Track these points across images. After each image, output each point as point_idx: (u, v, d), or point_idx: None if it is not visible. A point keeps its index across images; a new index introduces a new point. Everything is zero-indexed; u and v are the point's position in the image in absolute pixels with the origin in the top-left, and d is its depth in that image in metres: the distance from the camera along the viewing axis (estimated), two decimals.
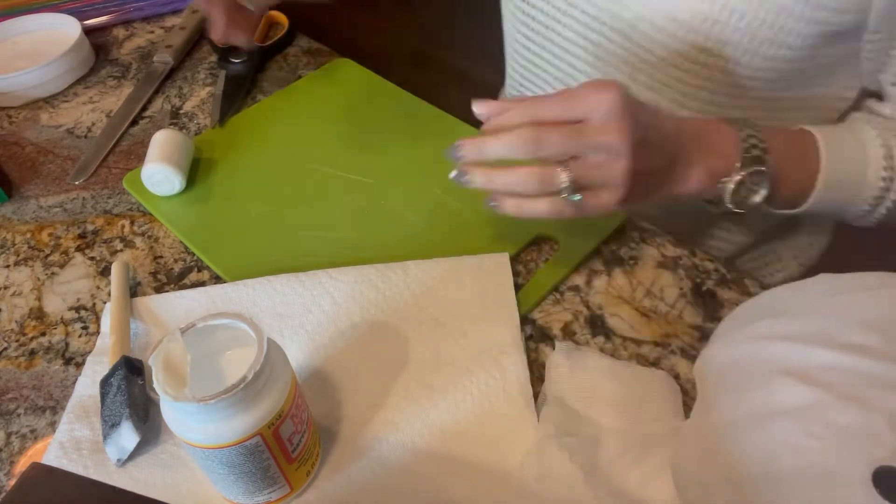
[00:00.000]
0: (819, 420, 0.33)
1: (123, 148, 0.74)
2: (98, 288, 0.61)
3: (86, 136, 0.76)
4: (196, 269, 0.61)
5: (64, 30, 0.86)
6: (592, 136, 0.45)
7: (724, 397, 0.39)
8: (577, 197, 0.47)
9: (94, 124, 0.78)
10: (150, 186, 0.65)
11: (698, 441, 0.40)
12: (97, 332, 0.57)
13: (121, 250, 0.63)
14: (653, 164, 0.47)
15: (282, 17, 0.90)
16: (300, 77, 0.81)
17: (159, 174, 0.64)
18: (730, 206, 0.50)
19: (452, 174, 0.49)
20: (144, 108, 0.79)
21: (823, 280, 0.40)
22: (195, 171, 0.68)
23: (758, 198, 0.50)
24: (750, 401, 0.37)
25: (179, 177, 0.65)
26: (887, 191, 0.52)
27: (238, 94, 0.79)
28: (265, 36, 0.89)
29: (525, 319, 0.55)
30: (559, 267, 0.58)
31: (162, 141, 0.66)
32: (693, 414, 0.44)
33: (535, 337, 0.54)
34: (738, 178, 0.49)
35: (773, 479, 0.34)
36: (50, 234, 0.66)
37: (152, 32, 0.92)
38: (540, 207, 0.48)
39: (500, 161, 0.47)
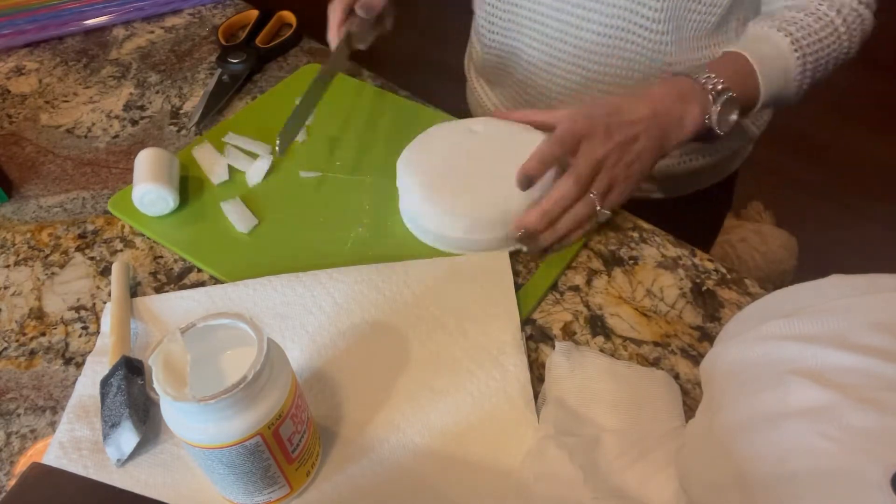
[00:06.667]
0: (834, 422, 0.33)
1: (123, 147, 0.74)
2: (98, 288, 0.61)
3: (86, 136, 0.76)
4: (196, 269, 0.61)
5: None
6: (583, 164, 0.57)
7: (734, 398, 0.39)
8: (606, 212, 0.60)
9: (94, 124, 0.78)
10: (142, 207, 0.64)
11: (707, 442, 0.40)
12: (97, 332, 0.57)
13: (121, 250, 0.63)
14: (641, 144, 0.59)
15: (291, 18, 0.90)
16: None
17: (152, 194, 0.62)
18: (719, 132, 0.62)
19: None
20: (144, 108, 0.79)
21: (836, 281, 0.39)
22: (183, 185, 0.67)
23: (733, 117, 0.62)
24: (762, 401, 0.36)
25: (172, 194, 0.63)
26: (804, 66, 0.65)
27: (221, 97, 0.78)
28: (275, 35, 0.89)
29: (525, 319, 0.55)
30: (564, 251, 0.59)
31: (148, 160, 0.64)
32: (699, 414, 0.44)
33: (535, 337, 0.54)
34: (717, 109, 0.61)
35: (787, 481, 0.33)
36: (50, 234, 0.66)
37: (152, 32, 0.92)
38: (576, 215, 0.58)
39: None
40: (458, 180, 0.60)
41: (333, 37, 0.71)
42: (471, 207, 0.58)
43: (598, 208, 0.58)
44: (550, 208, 0.57)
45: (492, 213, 0.58)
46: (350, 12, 0.71)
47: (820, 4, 0.67)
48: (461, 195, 0.59)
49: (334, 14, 0.70)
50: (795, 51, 0.64)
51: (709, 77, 0.61)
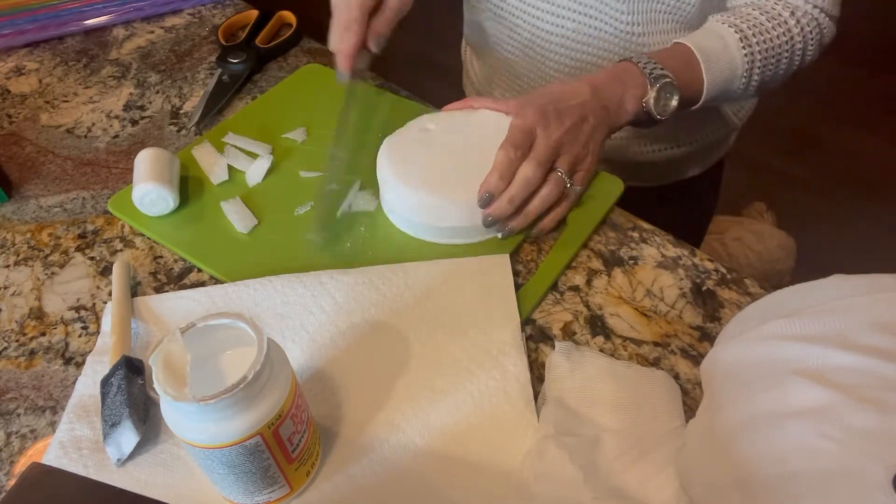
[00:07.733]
0: (835, 422, 0.33)
1: (123, 147, 0.74)
2: (98, 288, 0.61)
3: (86, 136, 0.76)
4: (196, 269, 0.61)
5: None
6: (542, 149, 0.58)
7: (735, 398, 0.38)
8: (577, 188, 0.62)
9: (94, 124, 0.78)
10: (143, 207, 0.63)
11: (707, 442, 0.40)
12: (97, 332, 0.57)
13: (121, 250, 0.63)
14: (591, 123, 0.61)
15: (291, 18, 0.90)
16: None
17: (152, 194, 0.62)
18: (658, 116, 0.64)
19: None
20: (144, 108, 0.79)
21: (837, 281, 0.39)
22: (183, 185, 0.67)
23: (674, 102, 0.64)
24: (763, 401, 0.36)
25: (172, 194, 0.63)
26: (752, 63, 0.67)
27: (221, 97, 0.78)
28: (275, 35, 0.89)
29: (525, 319, 0.55)
30: (565, 249, 0.59)
31: (148, 160, 0.64)
32: (699, 414, 0.44)
33: (535, 337, 0.54)
34: (654, 93, 0.63)
35: (787, 481, 0.33)
36: (50, 234, 0.66)
37: (152, 32, 0.92)
38: (545, 197, 0.59)
39: None
40: (431, 173, 0.61)
41: (346, 69, 0.66)
42: (448, 194, 0.59)
43: (569, 185, 0.60)
44: (515, 193, 0.57)
45: (468, 198, 0.58)
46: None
47: (776, 4, 0.69)
48: (438, 185, 0.60)
49: (344, 48, 0.65)
50: (743, 48, 0.66)
51: (648, 62, 0.64)
